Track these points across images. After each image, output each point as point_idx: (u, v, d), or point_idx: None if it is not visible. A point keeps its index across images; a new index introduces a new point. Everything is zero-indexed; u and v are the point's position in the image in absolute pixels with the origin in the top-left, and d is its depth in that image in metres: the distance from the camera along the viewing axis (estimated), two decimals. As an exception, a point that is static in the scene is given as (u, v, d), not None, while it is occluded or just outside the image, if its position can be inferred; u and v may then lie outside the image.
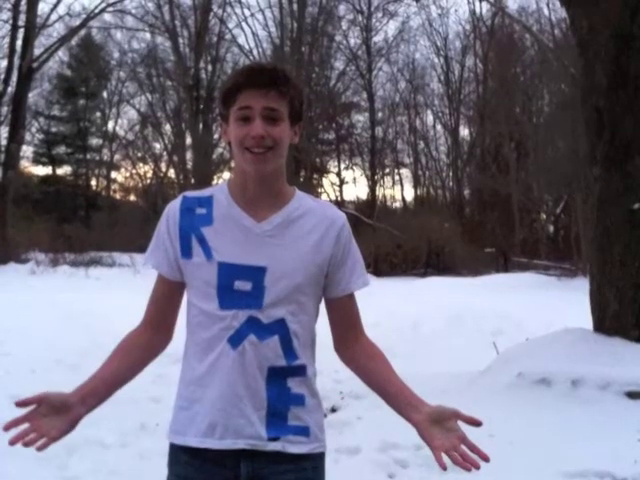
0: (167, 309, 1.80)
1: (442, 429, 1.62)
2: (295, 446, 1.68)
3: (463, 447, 1.58)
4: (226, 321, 1.65)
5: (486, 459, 1.56)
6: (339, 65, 38.82)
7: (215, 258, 1.67)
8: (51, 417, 1.64)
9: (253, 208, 1.71)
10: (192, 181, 31.22)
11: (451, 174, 40.56)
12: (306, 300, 1.72)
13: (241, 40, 35.57)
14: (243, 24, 34.68)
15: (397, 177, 42.07)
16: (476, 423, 1.60)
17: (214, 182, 33.83)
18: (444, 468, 1.55)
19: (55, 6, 25.39)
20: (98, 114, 40.80)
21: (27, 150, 36.36)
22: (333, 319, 1.83)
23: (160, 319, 1.80)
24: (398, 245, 30.28)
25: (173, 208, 1.76)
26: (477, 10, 37.92)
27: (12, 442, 1.56)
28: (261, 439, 1.65)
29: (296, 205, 1.76)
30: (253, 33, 35.50)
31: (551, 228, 35.93)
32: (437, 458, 1.58)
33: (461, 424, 1.65)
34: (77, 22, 26.87)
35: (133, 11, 29.99)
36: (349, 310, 1.83)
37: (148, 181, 39.13)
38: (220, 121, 1.77)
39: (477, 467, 1.54)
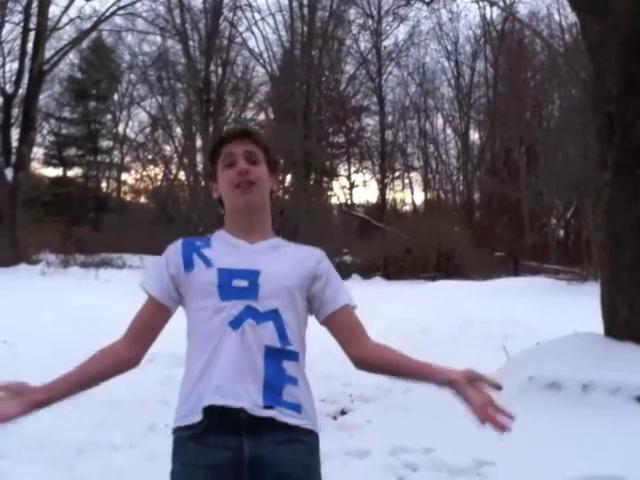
0: (147, 328, 1.98)
1: (474, 388, 1.82)
2: (288, 418, 1.80)
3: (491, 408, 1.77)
4: (226, 310, 1.83)
5: (511, 416, 1.77)
6: (349, 69, 38.94)
7: (214, 265, 1.90)
8: (10, 400, 1.76)
9: (245, 235, 1.98)
10: (202, 183, 31.28)
11: (461, 178, 40.52)
12: (296, 302, 1.91)
13: (251, 43, 35.56)
14: (253, 27, 34.82)
15: (407, 181, 42.15)
16: (498, 387, 1.83)
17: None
18: (483, 422, 1.75)
19: (66, 9, 25.53)
20: (109, 116, 40.97)
21: (38, 152, 36.54)
22: (337, 333, 1.98)
23: (139, 336, 1.97)
24: (408, 249, 30.24)
25: (175, 244, 2.04)
26: (488, 15, 37.86)
27: None
28: (258, 406, 1.77)
29: (279, 240, 2.06)
30: (263, 36, 35.38)
31: (561, 232, 35.84)
32: (475, 411, 1.78)
33: None
34: (88, 25, 27.01)
35: (144, 14, 30.06)
36: (348, 319, 1.99)
37: (158, 183, 39.24)
38: (210, 182, 2.11)
39: (509, 429, 1.75)
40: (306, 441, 1.85)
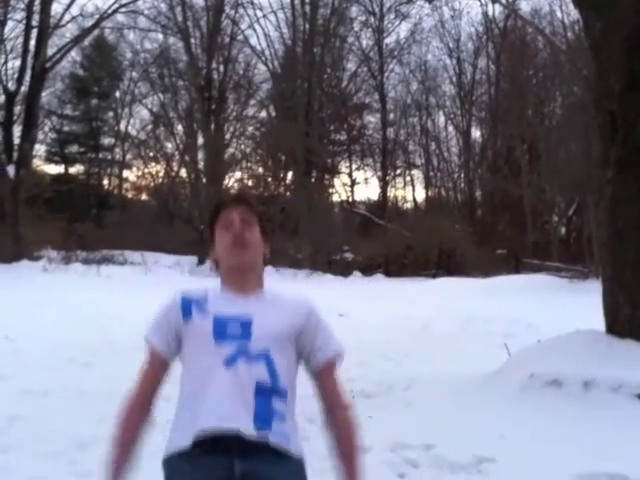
0: (154, 387, 2.11)
1: None
2: (278, 443, 1.89)
3: None
4: (220, 351, 1.95)
5: None
6: (351, 66, 38.82)
7: (210, 313, 2.03)
8: None
9: (239, 291, 2.11)
10: (203, 180, 31.26)
11: (462, 175, 40.50)
12: (286, 348, 2.03)
13: (253, 41, 35.38)
14: (255, 25, 34.67)
15: (408, 178, 42.08)
16: None
17: (225, 181, 33.89)
18: None
19: (68, 6, 25.47)
20: (110, 114, 40.83)
21: (40, 149, 36.35)
22: (322, 393, 2.11)
23: (147, 397, 2.09)
24: (409, 246, 30.26)
25: (174, 297, 2.14)
26: (490, 12, 37.76)
27: None
28: (250, 429, 1.85)
29: (271, 293, 2.18)
30: (265, 34, 35.29)
31: (563, 230, 35.80)
32: None
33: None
34: (90, 22, 26.95)
35: (146, 12, 29.98)
36: (334, 381, 2.12)
37: (160, 180, 39.14)
38: (209, 245, 2.23)
39: None
40: (296, 464, 1.94)
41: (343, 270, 28.72)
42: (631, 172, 6.20)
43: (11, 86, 25.33)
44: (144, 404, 2.07)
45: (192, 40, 32.13)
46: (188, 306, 2.07)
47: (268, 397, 1.92)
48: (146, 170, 39.18)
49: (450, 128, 41.59)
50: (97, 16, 26.80)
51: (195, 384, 1.96)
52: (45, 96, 31.33)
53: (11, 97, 24.75)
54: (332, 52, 36.81)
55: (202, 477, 1.81)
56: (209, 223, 2.24)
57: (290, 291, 2.26)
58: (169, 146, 36.87)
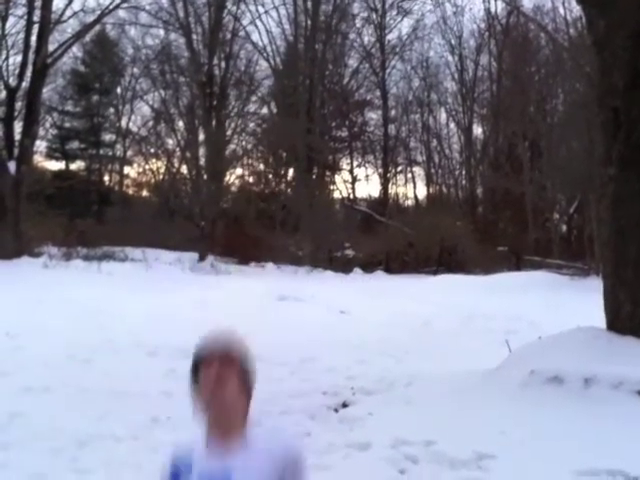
0: None
1: None
2: None
3: None
4: None
5: None
6: (353, 63, 38.82)
7: (194, 472, 2.10)
8: None
9: (221, 439, 2.13)
10: (205, 177, 31.24)
11: (464, 172, 40.49)
12: None
13: (255, 37, 35.38)
14: (257, 21, 34.70)
15: (410, 175, 42.07)
16: None
17: (226, 178, 33.90)
18: None
19: (70, 2, 25.39)
20: (112, 110, 40.86)
21: (41, 145, 36.33)
22: None
23: None
24: (410, 243, 30.26)
25: (167, 459, 2.20)
26: (492, 8, 37.73)
27: None
28: None
29: (254, 434, 2.17)
30: (267, 30, 35.30)
31: (564, 228, 35.79)
32: None
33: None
34: (91, 18, 26.91)
35: (147, 7, 29.90)
36: None
37: (161, 177, 39.20)
38: (195, 394, 2.19)
39: None
40: None
41: (344, 267, 28.73)
42: (634, 169, 6.19)
43: (12, 82, 25.30)
44: None
45: (194, 36, 32.11)
46: (176, 476, 2.16)
47: None
48: (147, 166, 39.33)
49: (452, 125, 41.60)
50: (98, 12, 26.77)
51: None
52: (46, 92, 31.34)
53: (12, 93, 24.72)
54: (334, 48, 36.78)
55: None
56: (192, 369, 2.22)
57: (278, 428, 2.29)
58: (170, 142, 36.87)
